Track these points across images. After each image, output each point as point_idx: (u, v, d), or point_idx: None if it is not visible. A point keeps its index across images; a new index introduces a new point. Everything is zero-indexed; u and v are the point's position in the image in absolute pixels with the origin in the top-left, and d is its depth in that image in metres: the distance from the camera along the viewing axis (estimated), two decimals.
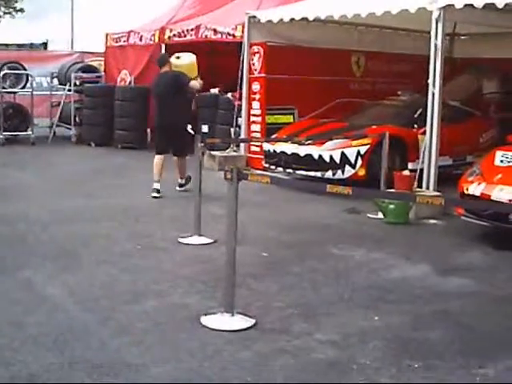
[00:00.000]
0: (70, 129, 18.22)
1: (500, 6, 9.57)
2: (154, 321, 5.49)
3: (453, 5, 9.93)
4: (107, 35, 18.98)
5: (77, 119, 18.10)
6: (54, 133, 18.45)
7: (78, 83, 18.12)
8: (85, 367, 4.60)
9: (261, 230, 8.65)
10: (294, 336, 5.23)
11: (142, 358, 4.79)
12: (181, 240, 8.00)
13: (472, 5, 9.78)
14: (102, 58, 19.63)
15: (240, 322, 5.43)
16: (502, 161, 8.92)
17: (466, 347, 5.16)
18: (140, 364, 4.68)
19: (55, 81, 19.47)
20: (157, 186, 10.79)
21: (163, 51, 16.34)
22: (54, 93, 19.46)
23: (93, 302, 5.93)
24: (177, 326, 5.39)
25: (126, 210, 9.78)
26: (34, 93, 17.98)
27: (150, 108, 16.01)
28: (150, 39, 17.18)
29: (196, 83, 11.53)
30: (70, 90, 18.16)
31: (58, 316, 5.59)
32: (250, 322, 5.44)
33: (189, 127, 11.80)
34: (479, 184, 8.47)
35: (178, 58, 12.24)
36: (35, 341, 5.04)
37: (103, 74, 19.00)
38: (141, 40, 17.58)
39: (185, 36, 16.12)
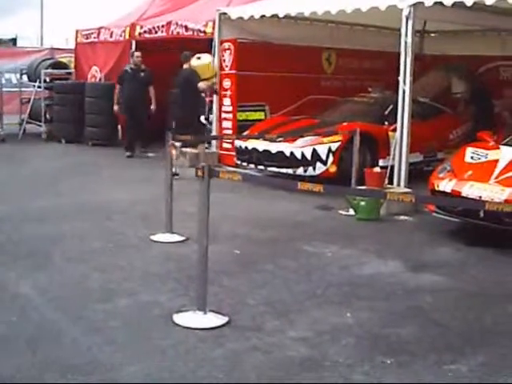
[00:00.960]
0: (40, 126, 18.09)
1: (469, 4, 9.65)
2: (127, 319, 5.47)
3: (422, 2, 10.00)
4: (77, 31, 18.82)
5: (47, 116, 17.95)
6: (24, 130, 18.30)
7: (47, 80, 17.98)
8: (58, 367, 4.57)
9: (233, 227, 8.65)
10: (267, 333, 5.24)
11: (114, 357, 4.76)
12: (152, 238, 7.97)
13: (441, 3, 9.85)
14: (72, 55, 19.51)
15: (213, 319, 5.42)
16: (472, 157, 8.98)
17: (438, 343, 5.19)
18: (113, 363, 4.65)
19: (24, 77, 19.29)
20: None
21: (133, 48, 16.34)
22: (23, 89, 19.30)
23: (64, 301, 5.89)
24: (149, 325, 5.37)
25: (97, 207, 9.73)
26: (4, 89, 17.85)
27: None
28: (121, 36, 17.08)
29: (202, 84, 12.69)
30: (39, 87, 18.03)
31: (29, 315, 5.55)
32: (222, 319, 5.44)
33: (202, 118, 13.09)
34: (450, 180, 8.53)
35: (198, 58, 13.04)
36: (6, 340, 5.01)
37: (73, 70, 18.87)
38: (111, 36, 17.47)
39: (155, 33, 16.06)
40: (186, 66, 13.04)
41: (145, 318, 5.50)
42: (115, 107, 14.59)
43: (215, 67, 13.45)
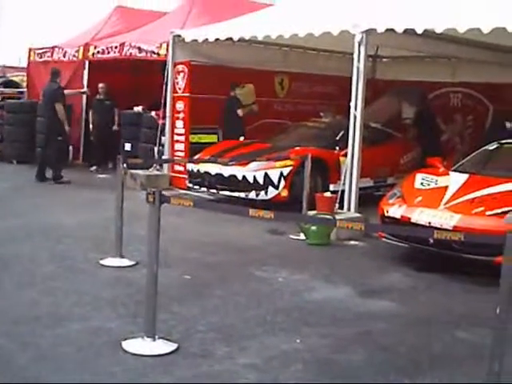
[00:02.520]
0: None
1: (419, 31, 9.81)
2: (76, 345, 5.39)
3: (375, 29, 10.12)
4: (30, 50, 18.69)
5: None
6: None
7: None
8: None
9: (183, 252, 8.61)
10: (217, 360, 5.21)
11: None
12: (102, 262, 7.89)
13: (393, 29, 9.99)
14: (25, 73, 19.34)
15: (162, 346, 5.38)
16: (422, 183, 9.09)
17: (386, 369, 5.23)
18: None
19: None
20: None
21: (87, 68, 16.31)
22: None
23: (13, 326, 5.79)
24: (98, 351, 5.31)
25: (48, 230, 9.62)
26: None
27: (72, 124, 15.87)
28: (74, 55, 17.02)
29: (239, 111, 13.97)
30: None
31: None
32: (172, 346, 5.40)
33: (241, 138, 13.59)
34: (400, 206, 8.62)
35: (242, 87, 14.36)
36: None
37: (25, 89, 18.70)
38: (64, 56, 17.39)
39: (109, 53, 16.05)
40: (232, 93, 14.14)
41: (94, 345, 5.43)
42: (67, 127, 14.49)
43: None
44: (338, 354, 5.49)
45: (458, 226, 7.76)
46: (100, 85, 16.17)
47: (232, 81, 14.16)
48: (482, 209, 8.10)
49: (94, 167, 16.17)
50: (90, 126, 16.42)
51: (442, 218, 8.05)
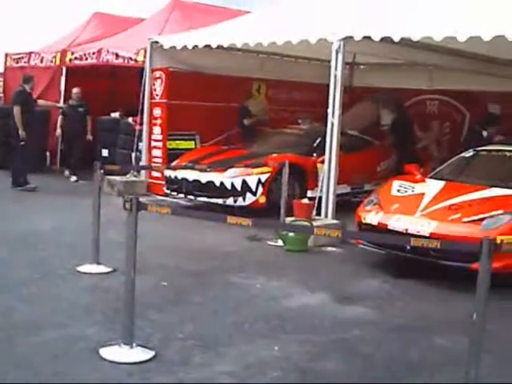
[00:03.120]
0: None
1: (396, 39, 9.88)
2: (52, 353, 5.36)
3: (352, 37, 10.16)
4: (7, 55, 18.60)
5: None
6: None
7: None
8: None
9: (161, 259, 8.59)
10: (194, 368, 5.20)
11: None
12: (79, 269, 7.85)
13: (370, 37, 10.04)
14: (1, 79, 19.24)
15: (139, 354, 5.36)
16: (399, 190, 9.14)
17: (363, 377, 5.24)
18: None
19: None
20: None
21: (64, 74, 16.24)
22: None
23: None
24: (75, 359, 5.28)
25: (24, 236, 9.55)
26: None
27: (50, 130, 15.84)
28: (51, 61, 16.94)
29: (245, 121, 14.52)
30: None
31: None
32: (149, 353, 5.38)
33: None
34: (377, 213, 8.66)
35: (255, 98, 15.27)
36: None
37: (2, 95, 18.59)
38: (42, 62, 17.31)
39: (86, 59, 16.01)
40: (244, 103, 14.75)
41: (71, 352, 5.40)
42: (21, 132, 14.15)
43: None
44: (315, 362, 5.49)
45: (435, 233, 7.80)
46: (74, 90, 15.71)
47: (246, 90, 15.04)
48: (458, 216, 8.16)
49: (67, 171, 15.79)
50: (58, 130, 15.91)
51: (418, 224, 8.10)
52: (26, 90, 14.12)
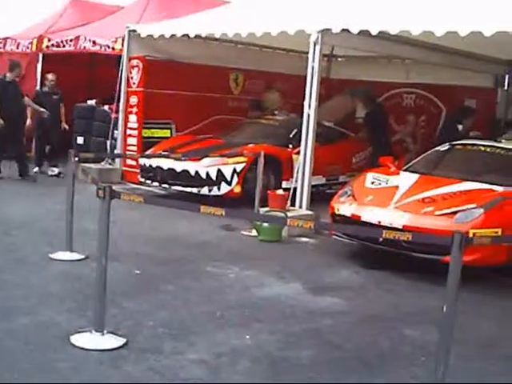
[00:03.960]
0: None
1: (374, 33, 9.90)
2: (23, 339, 5.33)
3: (330, 29, 10.18)
4: None
5: None
6: None
7: None
8: None
9: (134, 247, 8.58)
10: (165, 356, 5.20)
11: (10, 378, 4.63)
12: (52, 255, 7.82)
13: (348, 30, 10.06)
14: None
15: (110, 341, 5.35)
16: (373, 182, 9.17)
17: (334, 366, 5.26)
18: None
19: None
20: None
21: (40, 60, 16.10)
22: None
23: None
24: (46, 346, 5.25)
25: None
26: None
27: (26, 117, 15.62)
28: (28, 47, 16.75)
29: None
30: None
31: None
32: (120, 341, 5.37)
33: None
34: (350, 205, 8.69)
35: (271, 92, 15.23)
36: None
37: None
38: (18, 47, 17.10)
39: (63, 46, 15.87)
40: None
41: (42, 339, 5.38)
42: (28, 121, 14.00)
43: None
44: (286, 351, 5.51)
45: (408, 226, 7.84)
46: (49, 76, 14.82)
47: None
48: (431, 208, 8.21)
49: (36, 169, 14.55)
50: (28, 121, 14.24)
51: (391, 217, 8.14)
52: (4, 78, 13.61)
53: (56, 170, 14.33)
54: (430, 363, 4.86)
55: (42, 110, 14.02)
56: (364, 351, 5.66)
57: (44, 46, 16.34)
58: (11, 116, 13.35)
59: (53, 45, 16.15)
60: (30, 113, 14.25)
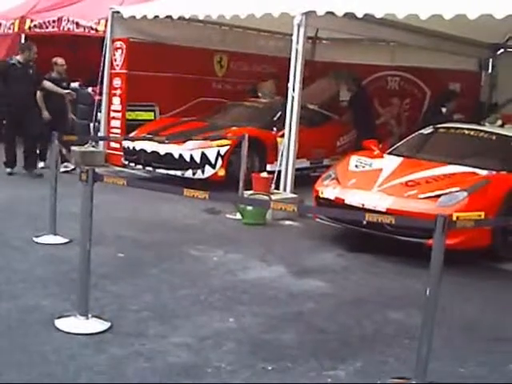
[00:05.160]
0: None
1: (359, 15, 9.89)
2: (6, 323, 5.32)
3: (314, 11, 10.15)
4: None
5: None
6: None
7: None
8: None
9: (118, 230, 8.56)
10: (150, 339, 5.21)
11: None
12: (36, 239, 7.80)
13: (333, 12, 10.04)
14: None
15: (95, 325, 5.35)
16: (356, 166, 9.18)
17: (318, 349, 5.28)
18: None
19: None
20: None
21: (23, 41, 15.96)
22: None
23: None
24: (30, 330, 5.25)
25: None
26: None
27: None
28: (10, 28, 16.64)
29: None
30: None
31: None
32: (105, 325, 5.38)
33: None
34: (334, 188, 8.71)
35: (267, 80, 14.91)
36: None
37: None
38: None
39: (46, 28, 15.77)
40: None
41: (26, 323, 5.37)
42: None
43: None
44: (270, 334, 5.53)
45: (391, 209, 7.87)
46: (58, 60, 13.32)
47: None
48: (415, 192, 8.23)
49: (42, 164, 12.68)
50: (45, 113, 12.53)
51: (375, 200, 8.16)
52: (10, 60, 12.34)
53: (70, 166, 12.80)
54: (414, 345, 4.89)
55: (66, 91, 13.00)
56: (347, 334, 5.69)
57: (26, 27, 16.24)
58: (17, 102, 11.93)
59: (35, 26, 16.04)
60: (41, 102, 12.51)
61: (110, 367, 4.68)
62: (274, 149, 11.69)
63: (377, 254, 8.19)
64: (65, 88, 13.08)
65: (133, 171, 12.81)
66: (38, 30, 16.00)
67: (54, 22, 15.55)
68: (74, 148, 13.24)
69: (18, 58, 12.26)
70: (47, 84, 12.62)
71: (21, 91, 11.93)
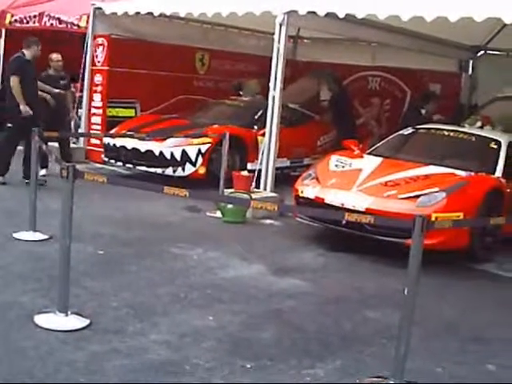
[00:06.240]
0: None
1: (341, 15, 9.92)
2: None
3: (296, 11, 10.18)
4: None
5: None
6: None
7: None
8: None
9: (98, 227, 8.54)
10: (129, 336, 5.21)
11: None
12: (15, 235, 7.76)
13: (315, 12, 10.07)
14: None
15: (74, 321, 5.35)
16: (336, 165, 9.22)
17: (297, 348, 5.31)
18: None
19: None
20: None
21: (3, 36, 15.86)
22: None
23: None
24: (9, 326, 5.23)
25: None
26: None
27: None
28: None
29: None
30: None
31: None
32: (84, 321, 5.37)
33: None
34: (314, 187, 8.74)
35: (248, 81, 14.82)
36: None
37: None
38: None
39: (27, 23, 15.60)
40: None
41: (4, 319, 5.35)
42: (22, 107, 10.66)
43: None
44: (249, 332, 5.55)
45: (370, 208, 7.91)
46: (53, 56, 12.39)
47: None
48: (394, 192, 8.28)
49: (44, 171, 11.39)
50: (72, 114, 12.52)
51: (354, 199, 8.21)
52: (23, 56, 10.94)
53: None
54: (392, 344, 4.93)
55: (56, 91, 11.93)
56: (326, 333, 5.72)
57: (7, 21, 16.07)
58: (32, 102, 10.79)
59: (16, 20, 15.90)
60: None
61: (89, 364, 4.68)
62: (255, 147, 11.72)
63: (357, 253, 8.24)
64: (65, 85, 12.19)
65: (113, 168, 12.78)
66: (18, 24, 15.87)
67: (35, 16, 15.42)
68: (54, 144, 13.15)
69: (26, 53, 10.92)
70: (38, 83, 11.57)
71: (36, 92, 11.15)
